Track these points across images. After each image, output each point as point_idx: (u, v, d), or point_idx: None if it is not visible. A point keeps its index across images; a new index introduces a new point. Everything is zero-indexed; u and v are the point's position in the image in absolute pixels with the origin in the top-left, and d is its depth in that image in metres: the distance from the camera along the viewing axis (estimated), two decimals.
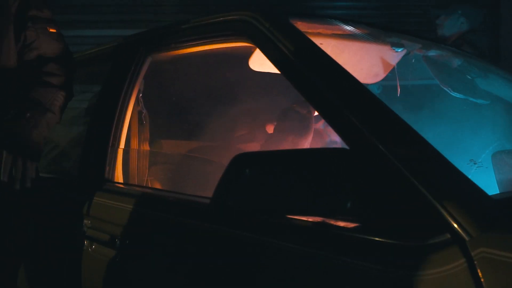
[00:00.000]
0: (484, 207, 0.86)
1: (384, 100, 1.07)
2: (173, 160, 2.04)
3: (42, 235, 1.75)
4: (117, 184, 1.63)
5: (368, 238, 0.89)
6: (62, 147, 2.46)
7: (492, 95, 2.02)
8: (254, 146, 2.00)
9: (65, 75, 1.54)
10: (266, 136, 1.91)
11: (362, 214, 0.93)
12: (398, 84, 1.82)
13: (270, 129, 2.08)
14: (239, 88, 2.00)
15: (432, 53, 1.88)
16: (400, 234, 0.87)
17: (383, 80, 1.98)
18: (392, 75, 1.89)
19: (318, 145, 1.82)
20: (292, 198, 0.97)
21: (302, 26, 1.40)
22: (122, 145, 1.69)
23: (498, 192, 1.34)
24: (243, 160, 1.01)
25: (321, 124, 2.14)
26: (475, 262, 0.79)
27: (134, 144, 1.81)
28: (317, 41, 1.27)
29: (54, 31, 1.55)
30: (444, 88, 1.92)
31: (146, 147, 1.85)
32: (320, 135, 2.07)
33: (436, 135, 1.40)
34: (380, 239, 0.88)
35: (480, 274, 0.78)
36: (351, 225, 0.94)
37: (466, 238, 0.81)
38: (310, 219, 0.99)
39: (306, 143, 1.68)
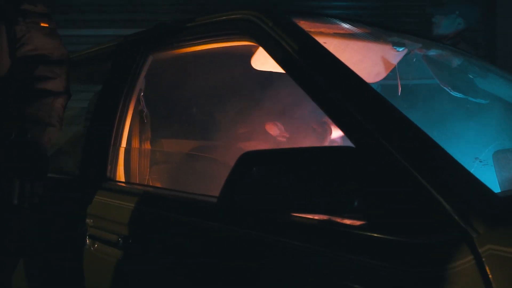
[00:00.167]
0: (490, 205, 0.87)
1: None
2: (174, 158, 2.04)
3: (44, 234, 1.74)
4: (119, 183, 1.63)
5: (375, 236, 0.90)
6: (60, 147, 2.45)
7: (491, 95, 2.03)
8: (254, 145, 2.00)
9: (59, 77, 1.48)
10: (266, 135, 1.92)
11: (368, 212, 0.94)
12: (399, 84, 1.82)
13: (269, 128, 2.09)
14: (240, 87, 2.00)
15: (432, 52, 1.88)
16: (407, 231, 0.88)
17: (382, 79, 1.99)
18: (392, 74, 1.90)
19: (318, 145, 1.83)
20: (299, 197, 0.97)
21: (304, 25, 1.40)
22: (123, 144, 1.69)
23: (500, 190, 1.35)
24: (250, 159, 1.01)
25: (318, 124, 2.14)
26: (483, 259, 0.79)
27: (136, 143, 1.81)
28: (320, 40, 1.28)
29: (46, 25, 1.49)
30: (444, 87, 1.93)
31: (147, 146, 1.85)
32: (319, 135, 2.08)
33: (435, 134, 1.41)
34: (387, 237, 0.89)
35: (488, 270, 0.78)
36: (357, 223, 0.95)
37: (474, 235, 0.81)
38: (317, 217, 0.99)
39: None
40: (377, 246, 0.89)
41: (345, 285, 0.91)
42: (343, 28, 1.53)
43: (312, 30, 1.44)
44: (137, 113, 1.79)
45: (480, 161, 1.43)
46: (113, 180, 1.64)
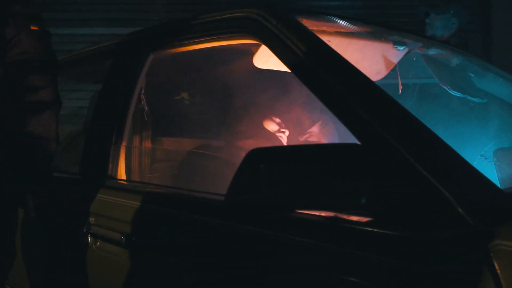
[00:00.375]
0: (497, 200, 0.88)
1: None
2: (176, 157, 2.04)
3: (45, 232, 1.74)
4: (120, 181, 1.63)
5: (383, 232, 0.91)
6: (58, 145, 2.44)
7: (490, 94, 2.04)
8: (256, 143, 2.01)
9: (51, 85, 1.44)
10: (268, 132, 1.92)
11: (375, 209, 0.94)
12: (399, 82, 1.83)
13: (267, 124, 2.09)
14: (242, 85, 2.00)
15: (431, 51, 1.90)
16: (414, 228, 0.89)
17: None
18: (392, 73, 1.91)
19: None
20: (306, 194, 0.97)
21: (306, 23, 1.40)
22: (124, 142, 1.69)
23: (501, 188, 1.36)
24: (257, 155, 1.01)
25: (318, 126, 2.15)
26: (491, 254, 0.80)
27: (137, 141, 1.81)
28: (323, 38, 1.28)
29: (37, 28, 1.45)
30: (443, 86, 1.94)
31: (148, 144, 1.85)
32: (319, 136, 2.08)
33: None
34: (394, 233, 0.89)
35: (496, 266, 0.79)
36: (364, 219, 0.96)
37: (481, 230, 0.82)
38: (324, 214, 1.00)
39: None
40: (384, 242, 0.90)
41: (353, 282, 0.92)
42: (345, 27, 1.54)
43: (315, 28, 1.45)
44: (138, 112, 1.79)
45: (486, 158, 1.44)
46: (115, 178, 1.64)
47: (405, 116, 1.02)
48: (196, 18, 1.58)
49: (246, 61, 1.71)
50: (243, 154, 1.61)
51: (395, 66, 1.89)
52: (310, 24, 1.44)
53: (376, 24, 1.68)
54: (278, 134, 2.10)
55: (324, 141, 2.05)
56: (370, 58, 1.71)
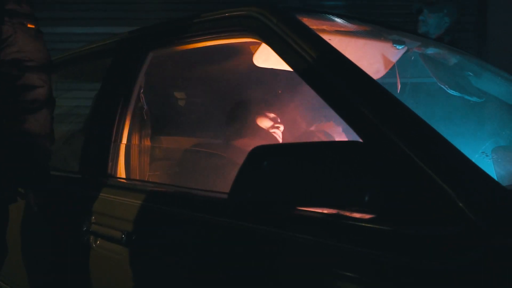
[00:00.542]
0: (499, 198, 0.88)
1: None
2: (175, 155, 2.04)
3: (45, 231, 1.74)
4: (120, 179, 1.63)
5: (385, 229, 0.91)
6: (56, 144, 2.44)
7: (487, 93, 2.06)
8: (254, 140, 2.01)
9: (47, 84, 1.44)
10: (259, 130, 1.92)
11: (378, 205, 0.95)
12: (398, 81, 1.84)
13: (261, 121, 2.07)
14: (241, 83, 2.00)
15: (429, 50, 1.91)
16: (416, 224, 0.90)
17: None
18: (390, 72, 1.92)
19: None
20: (310, 191, 0.98)
21: (307, 22, 1.41)
22: (124, 141, 1.69)
23: None
24: (261, 153, 1.02)
25: (314, 126, 2.15)
26: (493, 251, 0.80)
27: (136, 140, 1.81)
28: (323, 37, 1.29)
29: (33, 27, 1.44)
30: (441, 85, 1.95)
31: (147, 143, 1.85)
32: (318, 137, 2.09)
33: None
34: (397, 230, 0.90)
35: (498, 262, 0.79)
36: (367, 216, 0.96)
37: (483, 227, 0.82)
38: (326, 211, 1.00)
39: None
40: (387, 239, 0.91)
41: (354, 278, 0.92)
42: (345, 26, 1.54)
43: (315, 27, 1.45)
44: (137, 110, 1.79)
45: (487, 155, 1.45)
46: (114, 176, 1.64)
47: (406, 114, 1.02)
48: (196, 16, 1.58)
49: (245, 60, 1.71)
50: (242, 152, 1.62)
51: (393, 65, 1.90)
52: (310, 22, 1.45)
53: (375, 23, 1.69)
54: (272, 130, 2.09)
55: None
56: (369, 57, 1.72)
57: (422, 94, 2.10)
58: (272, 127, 2.08)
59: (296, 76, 1.20)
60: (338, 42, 1.53)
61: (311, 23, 1.46)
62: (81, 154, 1.75)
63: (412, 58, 1.92)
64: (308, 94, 1.74)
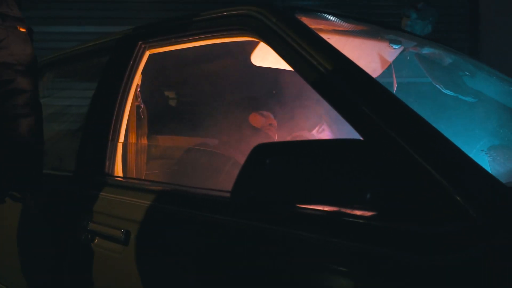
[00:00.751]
0: (500, 195, 0.89)
1: None
2: (172, 154, 2.04)
3: (43, 230, 1.73)
4: (118, 178, 1.63)
5: (386, 226, 0.92)
6: (51, 143, 2.43)
7: (480, 93, 2.07)
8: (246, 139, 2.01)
9: (35, 87, 1.43)
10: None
11: (379, 203, 0.96)
12: (394, 80, 1.86)
13: (253, 119, 2.06)
14: (238, 83, 2.01)
15: (425, 50, 1.92)
16: (417, 221, 0.90)
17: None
18: (387, 71, 1.93)
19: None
20: (312, 189, 0.98)
21: (306, 21, 1.41)
22: (121, 139, 1.69)
23: None
24: (263, 151, 1.02)
25: (316, 130, 2.16)
26: (494, 248, 0.81)
27: (133, 138, 1.81)
28: (322, 36, 1.29)
29: (24, 30, 1.44)
30: (437, 85, 1.96)
31: (144, 141, 1.85)
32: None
33: None
34: (398, 227, 0.91)
35: (498, 258, 0.80)
36: (368, 213, 0.97)
37: (484, 224, 0.83)
38: (327, 208, 1.01)
39: None
40: (388, 236, 0.91)
41: (355, 275, 0.93)
42: (343, 25, 1.55)
43: (313, 26, 1.46)
44: (134, 109, 1.79)
45: (486, 153, 1.47)
46: (111, 175, 1.63)
47: (406, 112, 1.03)
48: (195, 15, 1.58)
49: (243, 59, 1.71)
50: (238, 150, 1.62)
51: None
52: (308, 22, 1.45)
53: (372, 22, 1.70)
54: (266, 128, 2.08)
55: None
56: (367, 56, 1.73)
57: (413, 93, 2.12)
58: (266, 124, 2.08)
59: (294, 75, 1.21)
60: (336, 41, 1.53)
61: (310, 22, 1.47)
62: (78, 153, 1.75)
63: (408, 58, 1.94)
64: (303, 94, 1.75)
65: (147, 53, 1.73)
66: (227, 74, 2.04)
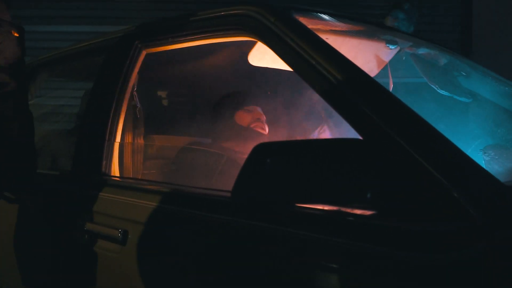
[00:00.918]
0: (499, 193, 0.90)
1: None
2: (169, 153, 2.04)
3: (39, 230, 1.72)
4: (114, 178, 1.63)
5: (386, 225, 0.93)
6: (44, 143, 2.41)
7: (475, 93, 2.09)
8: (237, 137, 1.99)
9: (26, 91, 1.48)
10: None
11: (378, 202, 0.96)
12: (390, 80, 1.87)
13: (239, 118, 2.03)
14: (235, 82, 2.01)
15: (421, 51, 1.93)
16: (417, 220, 0.91)
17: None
18: (383, 71, 1.94)
19: None
20: (312, 188, 0.99)
21: (304, 21, 1.42)
22: (118, 139, 1.68)
23: None
24: (263, 151, 1.02)
25: (317, 132, 2.16)
26: (493, 246, 0.82)
27: (129, 138, 1.80)
28: (320, 36, 1.30)
29: (17, 35, 1.45)
30: (432, 85, 1.97)
31: (141, 141, 1.85)
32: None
33: None
34: (398, 226, 0.91)
35: (498, 258, 0.81)
36: (368, 212, 0.98)
37: (483, 223, 0.84)
38: (327, 207, 1.01)
39: None
40: (388, 235, 0.92)
41: (355, 273, 0.93)
42: (341, 25, 1.56)
43: (311, 26, 1.46)
44: (131, 109, 1.79)
45: (485, 153, 1.48)
46: (108, 175, 1.63)
47: (406, 112, 1.04)
48: (192, 14, 1.58)
49: (240, 59, 1.71)
50: (233, 151, 1.61)
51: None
52: (306, 21, 1.46)
53: (369, 22, 1.71)
54: (254, 125, 2.03)
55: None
56: (364, 56, 1.74)
57: (405, 93, 2.12)
58: (253, 121, 2.03)
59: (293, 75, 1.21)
60: (334, 41, 1.54)
61: (308, 22, 1.47)
62: (74, 153, 1.74)
63: (403, 58, 1.95)
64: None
65: (144, 53, 1.72)
66: (223, 74, 2.04)
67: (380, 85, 1.11)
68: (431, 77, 1.97)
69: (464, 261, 0.83)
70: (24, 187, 1.45)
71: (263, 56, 1.61)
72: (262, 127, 2.03)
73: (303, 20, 1.41)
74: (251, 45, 1.68)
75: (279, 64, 1.35)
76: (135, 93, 1.78)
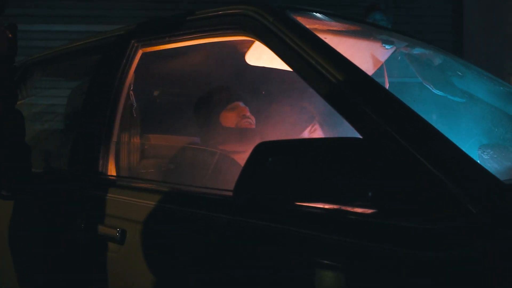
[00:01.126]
0: (498, 192, 0.91)
1: None
2: (166, 152, 2.03)
3: (37, 230, 1.71)
4: (111, 177, 1.62)
5: (387, 223, 0.93)
6: (36, 143, 2.40)
7: (468, 93, 2.10)
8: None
9: (17, 92, 1.48)
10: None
11: (379, 200, 0.97)
12: (386, 80, 1.88)
13: (224, 119, 1.97)
14: (233, 82, 2.01)
15: (416, 51, 1.94)
16: (418, 218, 0.92)
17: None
18: (378, 71, 1.95)
19: None
20: (313, 187, 0.99)
21: (302, 21, 1.42)
22: (114, 138, 1.68)
23: None
24: (265, 149, 1.03)
25: (307, 130, 2.15)
26: (494, 245, 0.83)
27: (126, 138, 1.80)
28: (318, 35, 1.30)
29: (11, 36, 1.45)
30: (427, 85, 1.99)
31: (137, 140, 1.84)
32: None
33: None
34: (398, 224, 0.92)
35: (499, 256, 0.82)
36: (369, 211, 0.98)
37: (484, 221, 0.85)
38: (327, 206, 1.02)
39: None
40: (389, 232, 0.93)
41: (354, 271, 0.94)
42: (339, 25, 1.57)
43: (309, 26, 1.47)
44: (127, 108, 1.78)
45: (484, 152, 1.49)
46: (105, 174, 1.63)
47: (406, 111, 1.05)
48: (189, 13, 1.58)
49: (238, 58, 1.72)
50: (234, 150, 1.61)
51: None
52: (304, 21, 1.46)
53: (367, 22, 1.72)
54: (241, 123, 1.97)
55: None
56: (361, 55, 1.75)
57: (399, 92, 2.13)
58: (239, 118, 1.97)
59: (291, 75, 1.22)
60: (331, 40, 1.55)
61: (306, 22, 1.47)
62: (71, 152, 1.73)
63: (399, 58, 1.96)
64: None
65: (140, 52, 1.72)
66: (221, 73, 2.04)
67: (380, 84, 1.12)
68: (426, 77, 1.98)
69: (464, 259, 0.84)
70: (23, 187, 1.45)
71: (260, 55, 1.61)
72: (249, 121, 1.98)
73: (301, 20, 1.41)
74: (248, 45, 1.68)
75: (276, 63, 1.36)
76: (131, 92, 1.77)
